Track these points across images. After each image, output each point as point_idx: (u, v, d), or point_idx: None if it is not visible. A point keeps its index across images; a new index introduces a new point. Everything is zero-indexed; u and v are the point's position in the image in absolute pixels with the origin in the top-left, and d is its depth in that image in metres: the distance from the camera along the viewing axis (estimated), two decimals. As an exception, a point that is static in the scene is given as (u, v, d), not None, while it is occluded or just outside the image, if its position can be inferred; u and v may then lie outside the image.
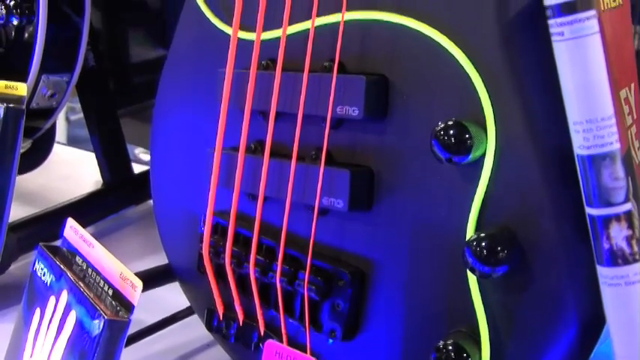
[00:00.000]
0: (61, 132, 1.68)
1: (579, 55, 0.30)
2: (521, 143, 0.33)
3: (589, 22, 0.30)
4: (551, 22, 0.31)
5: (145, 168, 0.80)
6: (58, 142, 0.80)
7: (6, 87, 0.63)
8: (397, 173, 0.37)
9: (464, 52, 0.34)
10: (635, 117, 0.47)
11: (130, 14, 0.82)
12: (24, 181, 0.73)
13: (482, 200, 0.34)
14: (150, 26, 0.81)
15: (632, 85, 0.48)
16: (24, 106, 0.61)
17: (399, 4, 0.36)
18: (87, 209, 0.71)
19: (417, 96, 0.36)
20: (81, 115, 0.79)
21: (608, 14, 0.43)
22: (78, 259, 0.46)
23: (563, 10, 0.30)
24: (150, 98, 0.84)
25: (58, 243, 0.49)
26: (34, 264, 0.48)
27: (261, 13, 0.40)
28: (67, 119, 1.83)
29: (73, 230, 0.48)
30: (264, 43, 0.41)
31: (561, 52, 0.31)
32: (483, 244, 0.33)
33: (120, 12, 0.82)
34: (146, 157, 0.99)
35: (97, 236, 0.70)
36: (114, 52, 0.84)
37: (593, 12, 0.30)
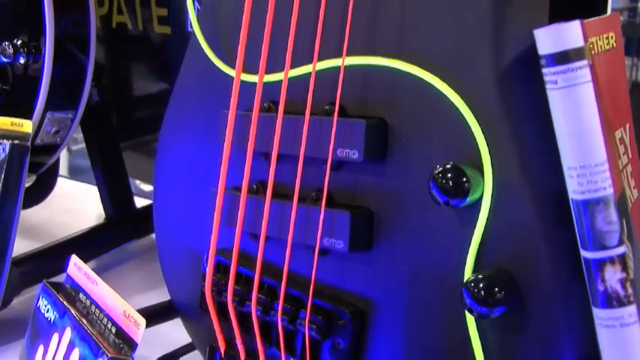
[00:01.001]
0: (62, 162, 1.68)
1: (572, 103, 0.31)
2: (518, 186, 0.34)
3: (581, 71, 0.31)
4: (544, 70, 0.32)
5: (146, 201, 0.81)
6: (61, 175, 0.81)
7: (12, 124, 0.64)
8: (396, 214, 0.38)
9: (461, 97, 0.35)
10: (630, 156, 0.48)
11: (134, 49, 0.84)
12: (27, 215, 0.73)
13: (480, 242, 0.35)
14: (153, 61, 0.83)
15: (627, 125, 0.49)
16: (29, 143, 0.62)
17: (398, 50, 0.37)
18: (89, 244, 0.72)
19: (416, 139, 0.37)
20: (82, 145, 0.80)
21: (602, 57, 0.44)
22: (81, 296, 0.47)
23: (556, 60, 0.31)
24: (152, 132, 0.85)
25: (61, 279, 0.50)
26: (38, 300, 0.49)
27: (263, 57, 0.41)
28: (69, 149, 1.83)
29: (77, 267, 0.48)
30: (266, 85, 0.42)
31: (555, 99, 0.31)
32: (481, 285, 0.33)
33: (124, 46, 0.84)
34: (146, 187, 1.00)
35: (99, 270, 0.71)
36: (117, 86, 0.86)
37: (585, 62, 0.31)
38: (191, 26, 0.63)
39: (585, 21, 0.43)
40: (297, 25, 0.40)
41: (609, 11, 0.51)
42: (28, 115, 0.64)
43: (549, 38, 0.31)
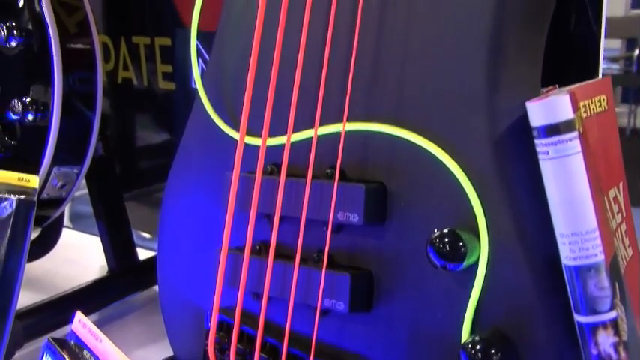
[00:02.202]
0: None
1: (563, 173, 0.32)
2: (513, 250, 0.35)
3: (571, 142, 0.32)
4: (536, 141, 0.33)
5: (147, 252, 0.81)
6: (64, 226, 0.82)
7: (19, 179, 0.65)
8: (395, 276, 0.39)
9: (458, 163, 0.37)
10: (624, 214, 0.49)
11: (138, 103, 0.85)
12: (30, 266, 0.74)
13: (477, 304, 0.36)
14: (157, 115, 0.84)
15: (621, 185, 0.50)
16: (35, 198, 0.63)
17: (396, 117, 0.39)
18: (92, 297, 0.73)
19: (414, 204, 0.38)
20: (84, 191, 0.81)
21: (594, 119, 0.45)
22: (85, 353, 0.47)
23: (547, 133, 0.32)
24: (154, 183, 0.87)
25: (64, 331, 0.50)
26: (42, 357, 0.50)
27: (266, 121, 0.42)
28: (70, 196, 1.84)
29: (82, 324, 0.49)
30: (269, 148, 0.43)
31: (547, 169, 0.33)
32: (478, 346, 0.34)
33: (129, 101, 0.85)
34: (146, 234, 1.00)
35: (102, 323, 0.71)
36: (121, 138, 0.87)
37: (575, 133, 0.33)
38: (195, 83, 0.65)
39: (576, 86, 0.44)
40: (300, 91, 0.42)
41: (600, 74, 0.53)
42: (34, 170, 0.65)
43: (540, 111, 0.32)
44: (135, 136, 0.87)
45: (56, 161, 0.66)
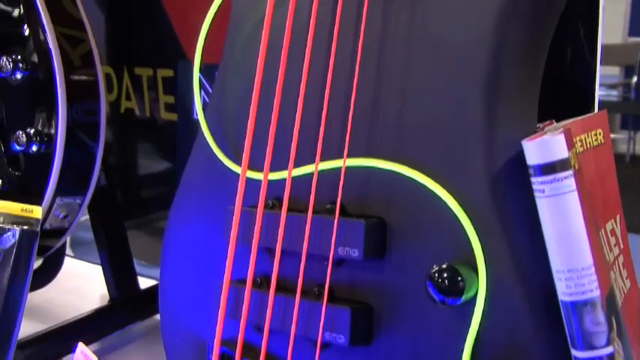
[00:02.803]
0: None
1: (559, 211, 0.33)
2: (510, 285, 0.36)
3: (567, 181, 0.33)
4: (533, 179, 0.34)
5: (148, 281, 0.82)
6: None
7: (22, 210, 0.65)
8: (395, 310, 0.39)
9: (455, 199, 0.38)
10: (622, 246, 0.50)
11: (141, 133, 0.86)
12: (31, 295, 0.74)
13: (475, 338, 0.36)
14: (160, 145, 0.85)
15: (618, 217, 0.51)
16: (38, 229, 0.64)
17: (396, 153, 0.40)
18: (93, 326, 0.73)
19: (413, 238, 0.39)
20: (84, 217, 0.81)
21: (590, 152, 0.46)
22: (88, 384, 0.48)
23: (543, 171, 0.33)
24: (156, 212, 0.87)
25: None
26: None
27: (268, 157, 0.43)
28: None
29: (84, 355, 0.49)
30: (270, 182, 0.44)
31: (543, 207, 0.34)
32: (477, 381, 0.35)
33: (131, 131, 0.86)
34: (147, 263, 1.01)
35: (103, 352, 0.72)
36: (124, 168, 0.88)
37: (570, 172, 0.33)
38: (197, 114, 0.66)
39: (572, 120, 0.45)
40: (301, 126, 0.42)
41: (597, 107, 0.54)
42: (37, 201, 0.66)
43: (536, 150, 0.33)
44: (137, 166, 0.88)
45: (59, 192, 0.66)
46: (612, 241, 0.47)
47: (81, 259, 1.04)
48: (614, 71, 4.08)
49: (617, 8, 4.21)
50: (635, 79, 3.79)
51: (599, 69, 0.54)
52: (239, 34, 0.50)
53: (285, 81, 0.43)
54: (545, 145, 0.33)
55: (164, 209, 0.86)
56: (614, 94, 4.01)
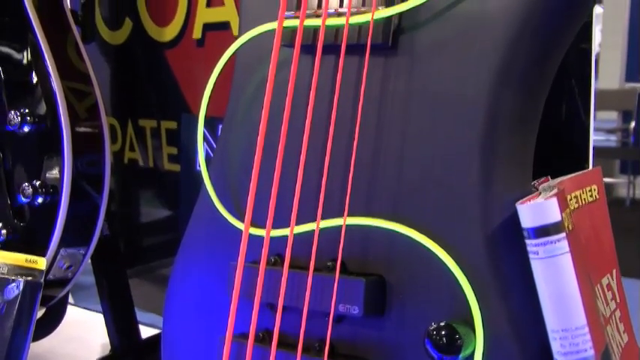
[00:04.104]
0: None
1: (552, 273, 0.34)
2: (507, 343, 0.37)
3: (560, 243, 0.34)
4: (527, 242, 0.35)
5: (149, 330, 0.82)
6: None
7: (26, 261, 0.66)
8: (394, 367, 0.40)
9: (453, 258, 0.39)
10: (618, 300, 0.50)
11: (144, 184, 0.87)
12: (34, 345, 0.75)
13: (473, 395, 0.37)
14: (162, 196, 0.86)
15: (614, 271, 0.51)
16: (42, 280, 0.65)
17: (395, 212, 0.41)
18: (95, 376, 0.73)
19: (412, 296, 0.40)
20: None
21: (585, 208, 0.47)
22: None
23: (537, 234, 0.34)
24: (158, 260, 0.88)
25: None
26: None
27: (270, 215, 0.44)
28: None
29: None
30: (272, 239, 0.45)
31: (537, 268, 0.35)
32: None
33: (134, 181, 0.87)
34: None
35: (103, 403, 0.72)
36: (126, 215, 0.89)
37: (563, 235, 0.34)
38: (199, 165, 0.67)
39: (568, 177, 0.46)
40: (303, 185, 0.44)
41: (591, 165, 0.55)
42: (42, 252, 0.67)
43: (529, 214, 0.34)
44: (139, 215, 0.89)
45: (63, 243, 0.67)
46: (609, 295, 0.48)
47: (81, 304, 1.04)
48: (612, 116, 4.12)
49: (614, 54, 4.27)
50: (633, 124, 3.83)
51: (592, 126, 0.55)
52: (243, 92, 0.51)
53: (287, 140, 0.44)
54: (538, 209, 0.34)
55: (166, 257, 0.87)
56: (612, 139, 4.05)
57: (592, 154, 0.55)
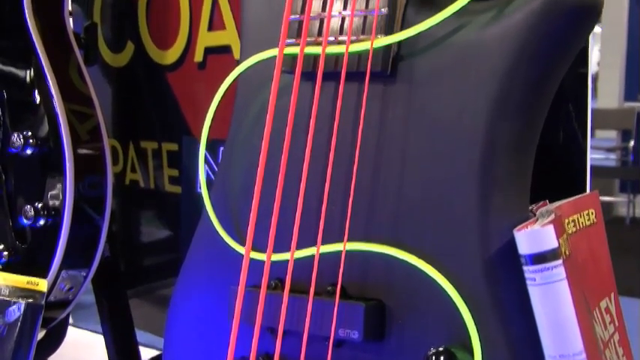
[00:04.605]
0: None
1: (550, 299, 0.35)
2: (506, 368, 0.37)
3: (557, 270, 0.35)
4: (524, 268, 0.35)
5: (150, 351, 0.82)
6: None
7: (27, 283, 0.67)
8: (394, 392, 0.40)
9: (452, 283, 0.39)
10: (617, 324, 0.51)
11: (145, 205, 0.88)
12: (33, 366, 0.75)
13: (472, 420, 0.37)
14: (163, 217, 0.87)
15: (612, 295, 0.52)
16: (43, 302, 0.65)
17: (394, 238, 0.42)
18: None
19: (411, 321, 0.40)
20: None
21: (583, 232, 0.48)
22: None
23: (534, 261, 0.35)
24: (158, 281, 0.88)
25: None
26: None
27: (270, 241, 0.44)
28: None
29: None
30: (273, 263, 0.45)
31: (534, 295, 0.35)
32: None
33: (136, 203, 0.88)
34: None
35: None
36: (127, 236, 0.89)
37: (559, 262, 0.35)
38: (200, 187, 0.67)
39: (565, 202, 0.47)
40: (303, 210, 0.44)
41: (589, 187, 0.56)
42: (43, 273, 0.67)
43: (526, 241, 0.35)
44: (140, 236, 0.89)
45: (65, 265, 0.68)
46: (607, 319, 0.48)
47: (81, 324, 1.04)
48: (612, 135, 4.13)
49: (613, 74, 4.29)
50: (632, 142, 3.84)
51: (589, 149, 0.56)
52: (244, 116, 0.52)
53: (287, 165, 0.45)
54: (535, 236, 0.35)
55: (166, 278, 0.87)
56: (612, 158, 4.06)
57: (589, 176, 0.56)
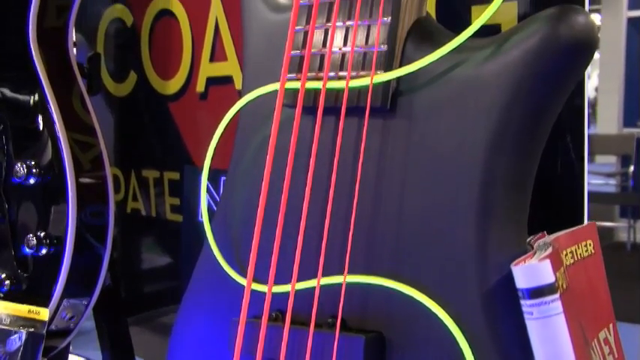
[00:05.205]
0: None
1: (547, 333, 0.35)
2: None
3: (554, 304, 0.35)
4: (522, 302, 0.36)
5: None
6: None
7: (29, 312, 0.67)
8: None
9: (450, 316, 0.40)
10: (616, 355, 0.51)
11: (146, 233, 0.88)
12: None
13: None
14: (164, 245, 0.87)
15: (611, 326, 0.52)
16: (44, 332, 0.65)
17: (394, 271, 0.42)
18: None
19: (411, 354, 0.41)
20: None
21: (581, 264, 0.48)
22: None
23: (531, 295, 0.35)
24: (159, 308, 0.88)
25: None
26: None
27: (271, 273, 0.45)
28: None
29: None
30: (274, 295, 0.46)
31: (532, 328, 0.35)
32: None
33: (137, 231, 0.88)
34: None
35: None
36: (128, 264, 0.90)
37: (556, 296, 0.35)
38: (201, 216, 0.68)
39: (563, 233, 0.47)
40: (304, 243, 0.45)
41: (586, 218, 0.56)
42: (45, 302, 0.67)
43: (523, 275, 0.35)
44: (141, 264, 0.90)
45: (66, 293, 0.68)
46: (606, 350, 0.48)
47: (80, 350, 1.03)
48: (612, 160, 4.14)
49: (612, 99, 4.31)
50: (631, 168, 3.85)
51: (587, 180, 0.56)
52: (245, 148, 0.52)
53: (288, 197, 0.45)
54: (532, 271, 0.35)
55: (167, 306, 0.87)
56: (612, 183, 4.06)
57: (587, 206, 0.56)
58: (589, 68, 0.45)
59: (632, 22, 4.21)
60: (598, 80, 4.52)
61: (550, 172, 0.54)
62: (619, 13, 4.27)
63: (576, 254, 0.47)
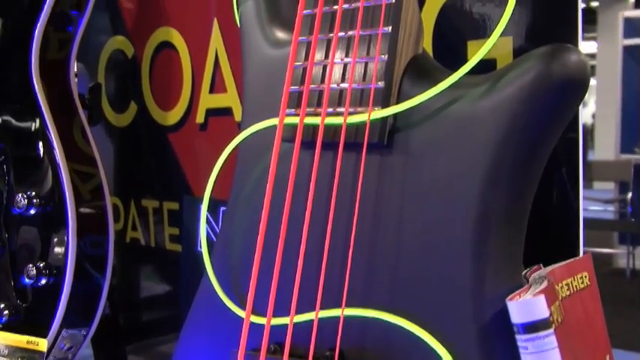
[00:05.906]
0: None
1: (543, 368, 0.35)
2: None
3: (548, 339, 0.36)
4: (517, 337, 0.36)
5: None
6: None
7: (28, 342, 0.67)
8: None
9: (447, 350, 0.40)
10: (614, 387, 0.51)
11: (145, 263, 0.89)
12: None
13: None
14: (163, 275, 0.87)
15: (607, 357, 0.52)
16: (42, 364, 0.65)
17: (391, 305, 0.42)
18: None
19: (408, 386, 0.41)
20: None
21: (577, 295, 0.49)
22: None
23: (526, 330, 0.36)
24: (157, 337, 0.88)
25: None
26: None
27: (270, 306, 0.45)
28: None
29: None
30: (273, 327, 0.46)
31: (528, 363, 0.36)
32: None
33: (136, 260, 0.89)
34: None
35: None
36: (126, 293, 0.90)
37: (551, 331, 0.36)
38: (200, 246, 0.68)
39: (559, 265, 0.48)
40: (303, 276, 0.45)
41: (582, 251, 0.57)
42: (43, 332, 0.67)
43: (518, 311, 0.36)
44: (139, 293, 0.90)
45: (65, 324, 0.68)
46: (604, 381, 0.49)
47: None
48: (610, 186, 4.15)
49: (609, 125, 4.33)
50: (629, 195, 3.85)
51: (582, 212, 0.57)
52: (245, 181, 0.53)
53: (287, 232, 0.46)
54: (526, 306, 0.36)
55: (165, 335, 0.87)
56: (610, 209, 4.06)
57: (583, 239, 0.56)
58: (586, 96, 0.46)
59: (627, 50, 4.24)
60: (595, 107, 4.54)
61: (545, 202, 0.55)
62: (615, 41, 4.31)
63: (572, 287, 0.48)
